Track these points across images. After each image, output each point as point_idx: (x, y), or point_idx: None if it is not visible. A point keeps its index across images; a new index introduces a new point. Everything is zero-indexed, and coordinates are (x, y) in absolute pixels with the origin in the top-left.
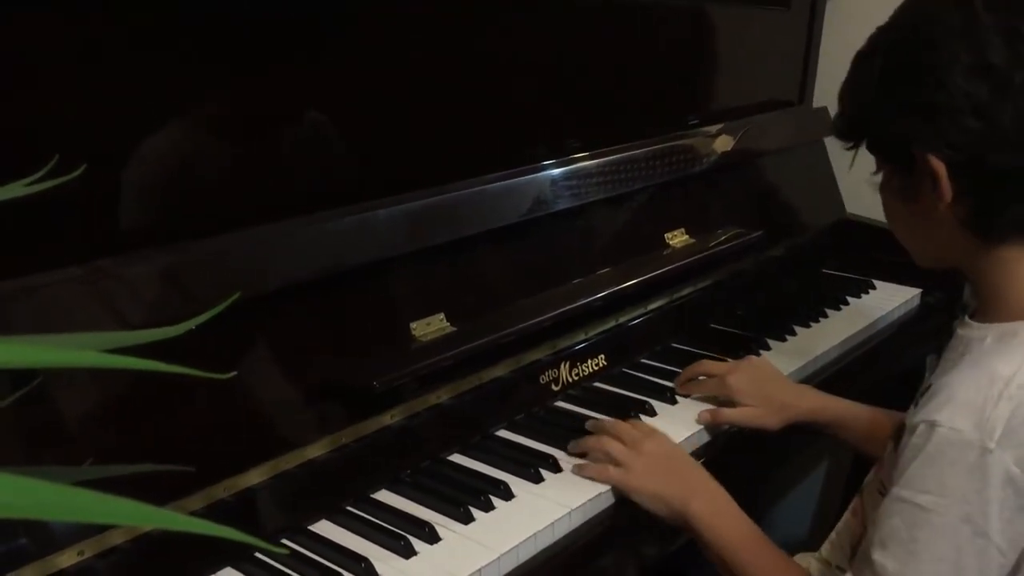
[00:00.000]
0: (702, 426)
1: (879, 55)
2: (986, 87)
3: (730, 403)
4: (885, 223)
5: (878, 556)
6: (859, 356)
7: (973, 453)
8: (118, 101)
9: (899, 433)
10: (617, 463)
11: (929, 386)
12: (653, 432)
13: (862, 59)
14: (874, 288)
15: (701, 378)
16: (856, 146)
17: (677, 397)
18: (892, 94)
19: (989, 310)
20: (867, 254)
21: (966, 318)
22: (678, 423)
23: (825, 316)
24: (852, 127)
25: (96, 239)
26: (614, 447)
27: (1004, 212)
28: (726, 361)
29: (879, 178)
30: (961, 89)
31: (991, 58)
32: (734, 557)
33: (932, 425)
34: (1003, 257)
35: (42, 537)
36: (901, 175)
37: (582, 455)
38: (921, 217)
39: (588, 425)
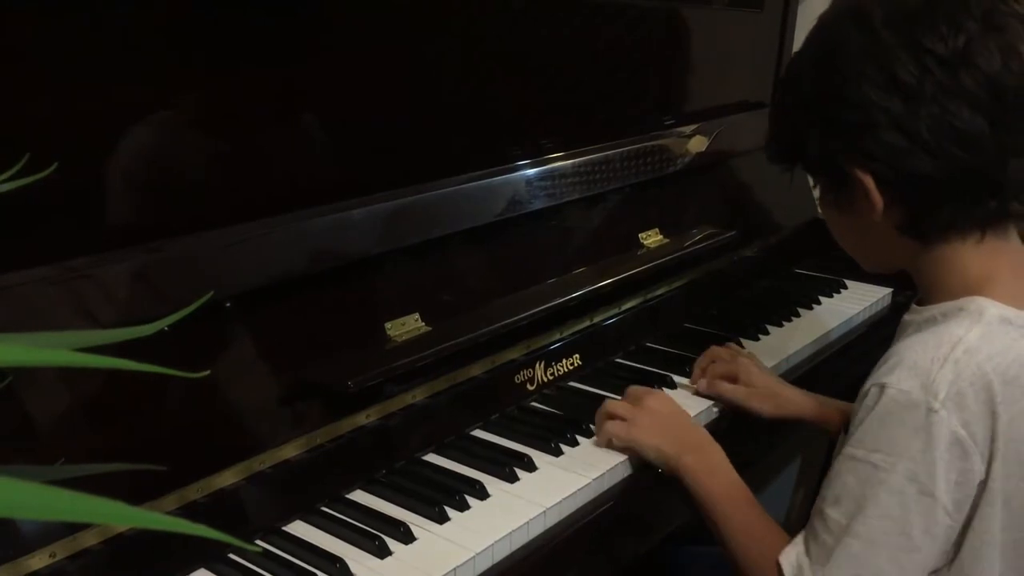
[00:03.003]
0: None
1: (796, 81)
2: (899, 100)
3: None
4: None
5: (830, 510)
6: (831, 355)
7: (919, 413)
8: (91, 99)
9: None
10: (621, 419)
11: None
12: (652, 390)
13: (783, 85)
14: (845, 287)
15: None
16: (791, 168)
17: None
18: (812, 115)
19: (932, 297)
20: (839, 254)
21: (912, 305)
22: None
23: (797, 315)
24: (783, 152)
25: (69, 238)
26: (618, 405)
27: (935, 215)
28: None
29: (818, 192)
30: (875, 105)
31: (899, 73)
32: (719, 510)
33: (882, 387)
34: (940, 254)
35: (12, 539)
36: (836, 189)
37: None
38: (860, 225)
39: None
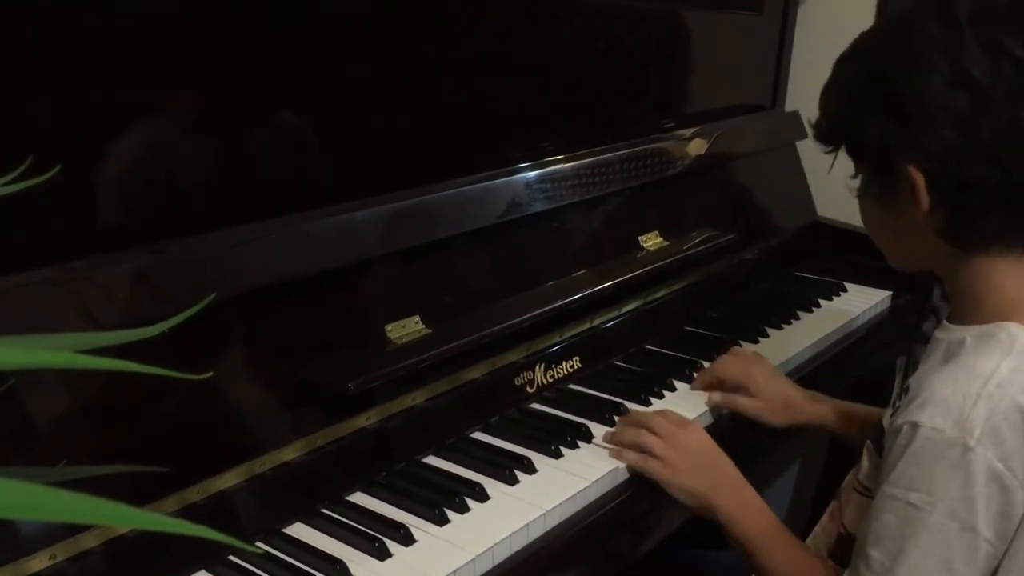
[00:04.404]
0: None
1: (860, 62)
2: (967, 99)
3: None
4: (856, 226)
5: (872, 551)
6: (831, 358)
7: (956, 451)
8: (93, 101)
9: (876, 434)
10: (654, 456)
11: (907, 388)
12: (685, 424)
13: (844, 63)
14: (845, 290)
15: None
16: (836, 150)
17: (650, 399)
18: (871, 102)
19: (965, 313)
20: (838, 257)
21: (944, 321)
22: None
23: (797, 318)
24: (832, 131)
25: (70, 240)
26: (651, 441)
27: (978, 224)
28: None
29: (856, 182)
30: (939, 101)
31: (973, 71)
32: (758, 550)
33: (915, 425)
34: (978, 265)
35: (12, 541)
36: (880, 181)
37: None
38: (898, 222)
39: (621, 420)
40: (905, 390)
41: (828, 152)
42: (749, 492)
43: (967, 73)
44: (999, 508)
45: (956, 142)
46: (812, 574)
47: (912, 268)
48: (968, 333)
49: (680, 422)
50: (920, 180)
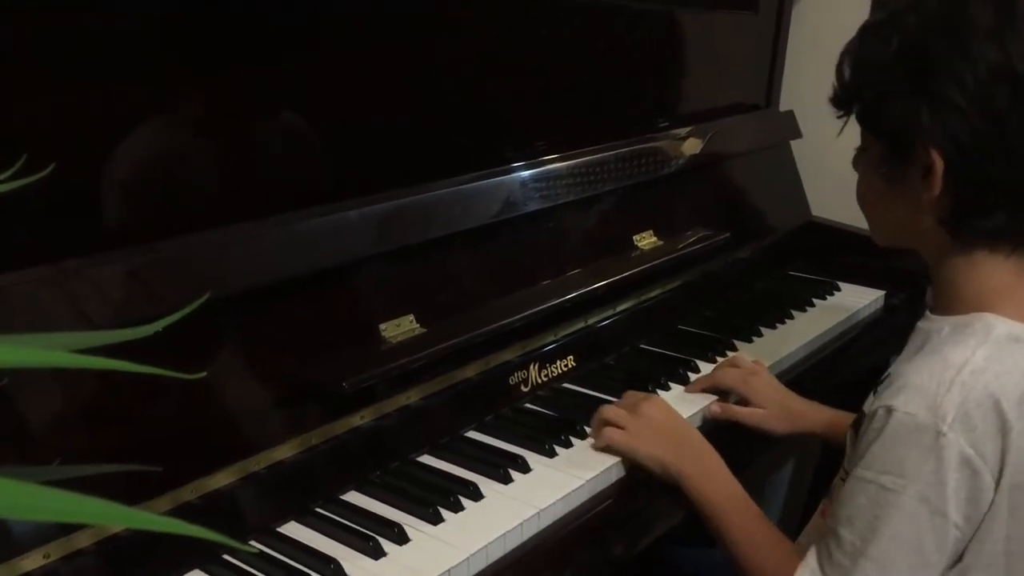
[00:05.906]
0: None
1: (897, 33)
2: (1007, 93)
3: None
4: (850, 226)
5: (844, 531)
6: (824, 357)
7: (928, 436)
8: (88, 100)
9: (858, 422)
10: (618, 426)
11: (888, 375)
12: (648, 396)
13: (875, 31)
14: (839, 290)
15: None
16: (847, 115)
17: None
18: (905, 77)
19: (946, 303)
20: (832, 256)
21: (927, 312)
22: None
23: (791, 317)
24: (851, 98)
25: (65, 239)
26: (614, 412)
27: (981, 217)
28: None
29: (862, 153)
30: (979, 89)
31: (1018, 66)
32: (720, 518)
33: (889, 410)
34: (967, 258)
35: (5, 540)
36: (892, 156)
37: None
38: (901, 200)
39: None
40: (885, 377)
41: (839, 117)
42: (714, 459)
43: (1012, 67)
44: (968, 494)
45: (985, 134)
46: (771, 543)
47: (895, 245)
48: (947, 323)
49: (643, 395)
50: (939, 165)
